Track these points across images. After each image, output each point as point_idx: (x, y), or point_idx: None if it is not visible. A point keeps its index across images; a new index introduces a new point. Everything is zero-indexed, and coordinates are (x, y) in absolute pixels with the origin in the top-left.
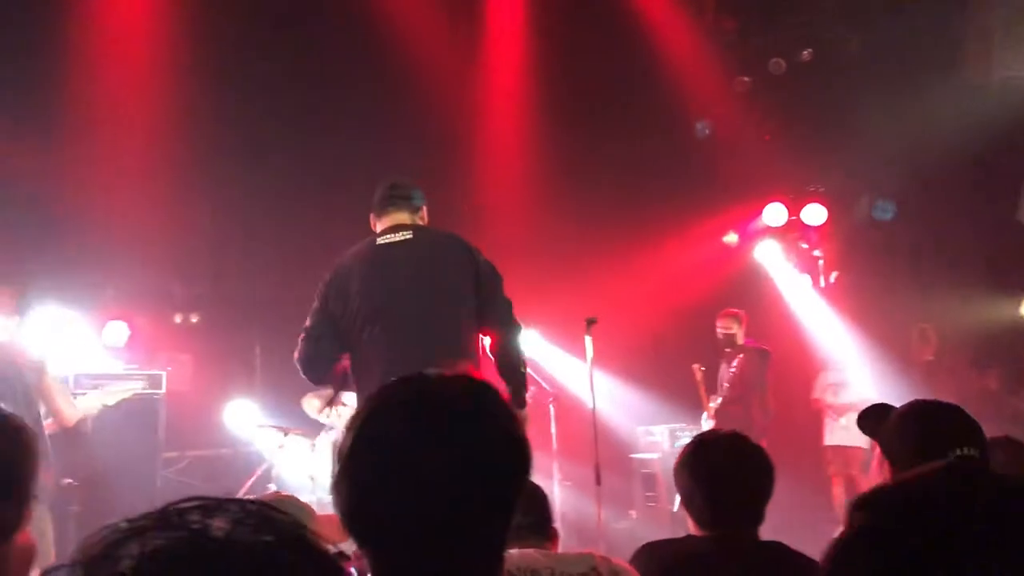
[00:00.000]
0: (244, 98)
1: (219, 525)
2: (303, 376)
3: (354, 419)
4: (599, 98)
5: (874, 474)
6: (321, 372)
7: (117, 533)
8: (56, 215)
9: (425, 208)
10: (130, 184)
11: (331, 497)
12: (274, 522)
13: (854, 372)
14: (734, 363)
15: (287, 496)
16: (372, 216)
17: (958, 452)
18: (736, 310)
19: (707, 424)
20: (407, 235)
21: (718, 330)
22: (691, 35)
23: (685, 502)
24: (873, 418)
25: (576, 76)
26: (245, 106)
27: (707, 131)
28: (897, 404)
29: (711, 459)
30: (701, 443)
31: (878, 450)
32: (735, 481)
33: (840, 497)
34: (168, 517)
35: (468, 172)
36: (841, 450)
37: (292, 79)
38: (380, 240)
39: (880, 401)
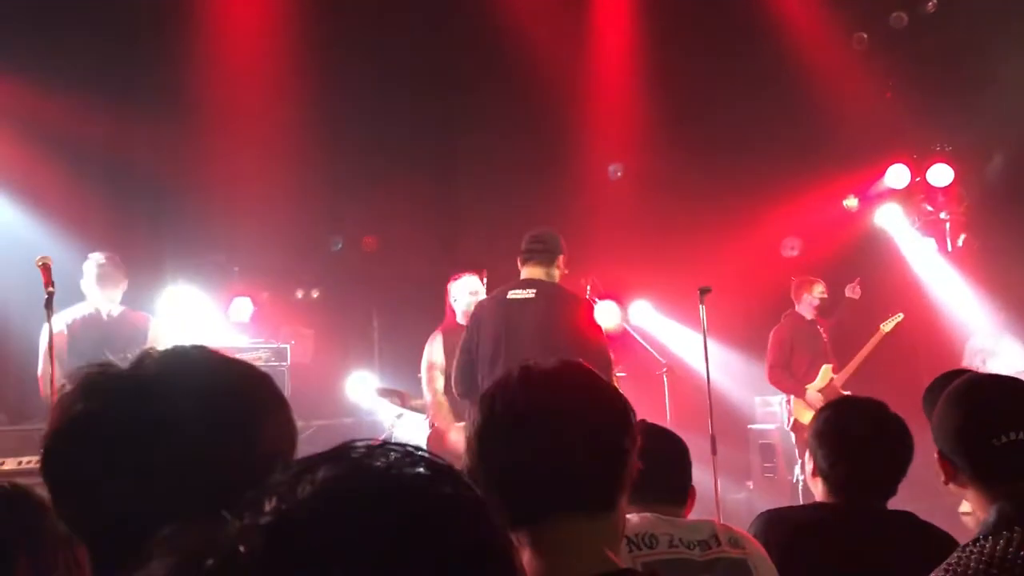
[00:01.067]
0: (362, 80)
1: (382, 460)
2: None
3: (482, 400)
4: (709, 61)
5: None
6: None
7: (292, 468)
8: (183, 200)
9: (562, 256)
10: (252, 168)
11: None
12: (431, 460)
13: (1003, 340)
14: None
15: None
16: (519, 261)
17: (1003, 438)
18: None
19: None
20: (531, 294)
21: (817, 296)
22: None
23: (820, 468)
24: (938, 392)
25: (684, 41)
26: (362, 89)
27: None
28: None
29: (856, 428)
30: (842, 409)
31: None
32: (878, 451)
33: None
34: (335, 454)
35: (580, 145)
36: None
37: (413, 60)
38: (510, 295)
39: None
